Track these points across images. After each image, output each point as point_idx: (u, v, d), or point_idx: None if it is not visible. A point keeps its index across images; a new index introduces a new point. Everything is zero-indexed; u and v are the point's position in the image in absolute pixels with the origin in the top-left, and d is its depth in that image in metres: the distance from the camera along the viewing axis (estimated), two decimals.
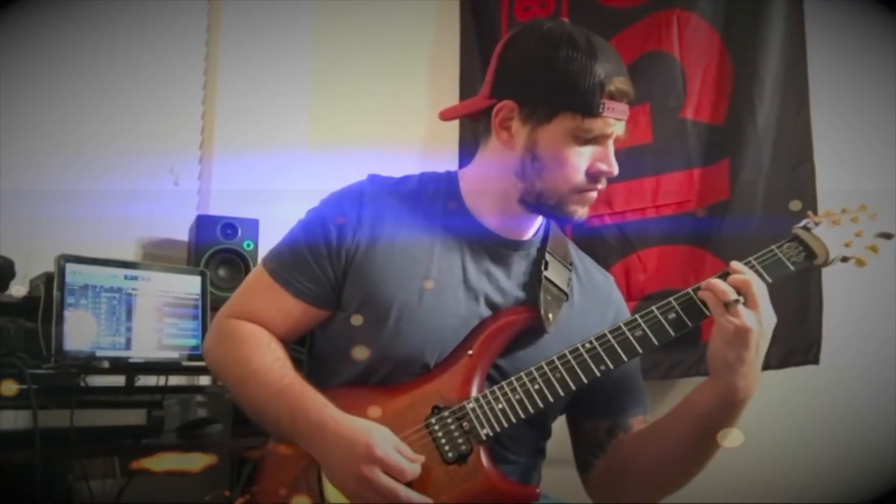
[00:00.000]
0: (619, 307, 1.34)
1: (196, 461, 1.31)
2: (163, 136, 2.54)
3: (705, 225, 2.09)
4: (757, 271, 1.12)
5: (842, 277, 1.91)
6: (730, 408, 1.09)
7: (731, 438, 1.08)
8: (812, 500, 1.84)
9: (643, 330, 1.11)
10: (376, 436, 1.07)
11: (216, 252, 2.27)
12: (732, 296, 1.06)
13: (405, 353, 1.15)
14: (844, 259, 1.17)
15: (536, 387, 1.12)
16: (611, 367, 1.12)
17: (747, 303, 1.06)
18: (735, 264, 1.11)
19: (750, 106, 2.06)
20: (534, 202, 1.20)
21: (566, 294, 1.24)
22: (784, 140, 2.03)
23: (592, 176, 1.17)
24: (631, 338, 1.11)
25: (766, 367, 1.92)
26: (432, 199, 1.26)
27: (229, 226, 2.32)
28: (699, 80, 2.16)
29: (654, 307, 1.12)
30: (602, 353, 1.12)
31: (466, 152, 1.33)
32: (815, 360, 1.91)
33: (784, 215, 1.96)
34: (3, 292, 1.90)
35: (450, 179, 1.29)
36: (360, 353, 1.17)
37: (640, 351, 1.11)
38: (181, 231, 2.44)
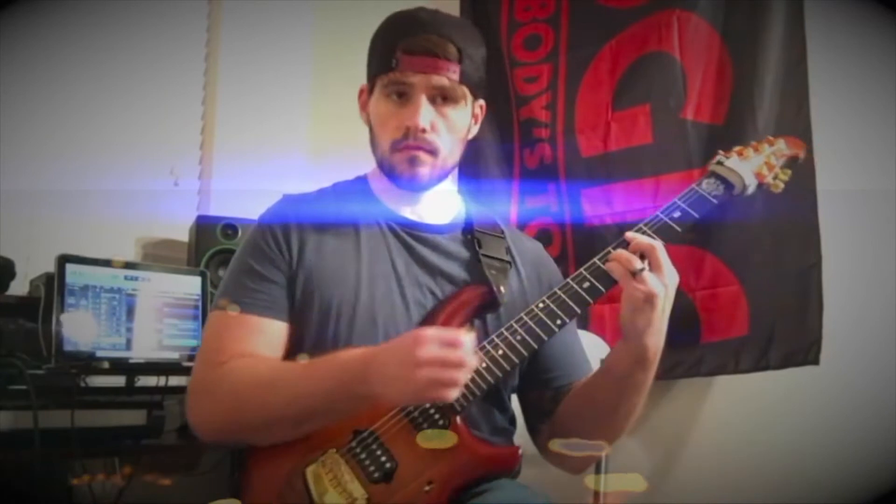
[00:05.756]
0: (550, 268, 1.38)
1: None
2: (163, 137, 2.53)
3: (705, 226, 2.09)
4: (646, 233, 1.18)
5: (842, 277, 1.92)
6: (644, 366, 1.16)
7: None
8: (812, 500, 1.84)
9: (590, 281, 1.16)
10: (421, 330, 1.04)
11: (216, 253, 2.27)
12: (638, 264, 1.11)
13: (353, 346, 1.16)
14: (760, 185, 1.26)
15: (500, 352, 1.14)
16: (566, 320, 1.16)
17: (652, 267, 1.11)
18: (630, 234, 1.16)
19: (750, 106, 2.06)
20: (383, 173, 1.28)
21: (509, 262, 1.29)
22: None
23: (403, 131, 1.22)
24: (580, 289, 1.16)
25: (765, 367, 1.96)
26: (349, 201, 1.31)
27: (229, 226, 2.31)
28: (699, 81, 2.16)
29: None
30: (555, 308, 1.16)
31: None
32: (815, 361, 1.91)
33: (786, 215, 1.98)
34: (3, 293, 1.90)
35: (361, 181, 1.35)
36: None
37: (591, 301, 1.15)
38: (181, 232, 2.44)
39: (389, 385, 1.02)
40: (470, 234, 1.31)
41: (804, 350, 1.92)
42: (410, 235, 1.28)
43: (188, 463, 2.17)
